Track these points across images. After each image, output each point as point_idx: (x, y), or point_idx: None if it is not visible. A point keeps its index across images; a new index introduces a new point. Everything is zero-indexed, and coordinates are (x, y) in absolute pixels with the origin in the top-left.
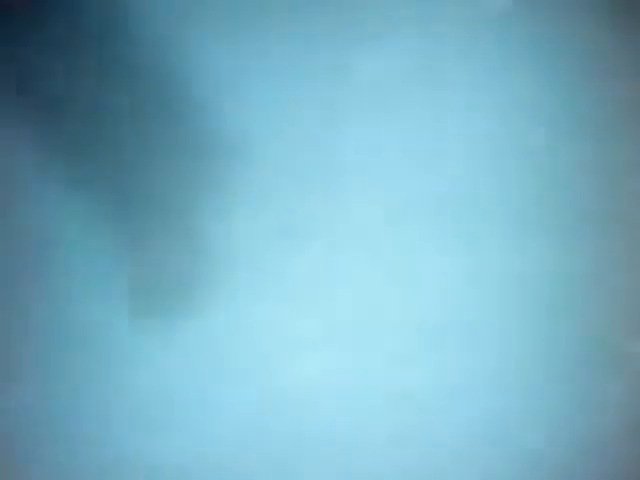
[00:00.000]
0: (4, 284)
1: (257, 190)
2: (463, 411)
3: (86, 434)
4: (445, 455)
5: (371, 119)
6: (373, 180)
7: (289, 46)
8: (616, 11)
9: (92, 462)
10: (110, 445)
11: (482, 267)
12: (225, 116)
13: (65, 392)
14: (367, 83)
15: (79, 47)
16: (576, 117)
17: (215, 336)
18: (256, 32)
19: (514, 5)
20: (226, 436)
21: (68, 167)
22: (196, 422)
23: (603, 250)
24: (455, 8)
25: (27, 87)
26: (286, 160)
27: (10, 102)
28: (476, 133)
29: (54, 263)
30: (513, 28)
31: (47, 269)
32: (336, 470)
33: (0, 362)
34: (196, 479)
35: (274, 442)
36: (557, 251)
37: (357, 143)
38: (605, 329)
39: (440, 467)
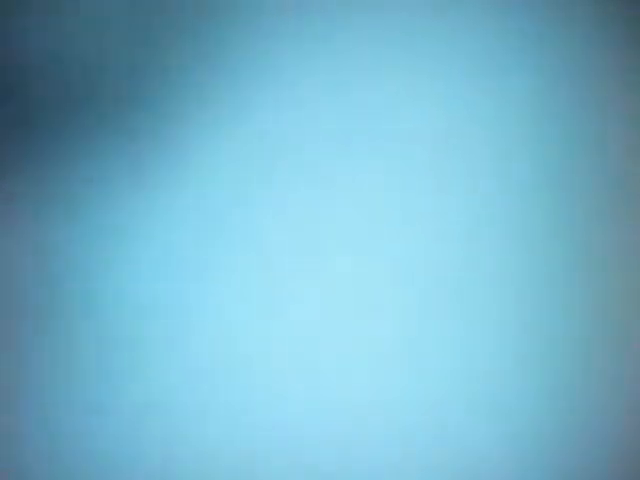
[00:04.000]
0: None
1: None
2: (460, 411)
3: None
4: (443, 454)
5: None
6: (372, 184)
7: (289, 62)
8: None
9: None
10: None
11: (481, 271)
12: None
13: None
14: (361, 104)
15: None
16: (577, 126)
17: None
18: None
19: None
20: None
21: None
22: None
23: (603, 251)
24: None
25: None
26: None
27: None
28: (476, 139)
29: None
30: (511, 29)
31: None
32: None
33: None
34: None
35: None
36: (556, 252)
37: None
38: (605, 330)
39: (438, 466)
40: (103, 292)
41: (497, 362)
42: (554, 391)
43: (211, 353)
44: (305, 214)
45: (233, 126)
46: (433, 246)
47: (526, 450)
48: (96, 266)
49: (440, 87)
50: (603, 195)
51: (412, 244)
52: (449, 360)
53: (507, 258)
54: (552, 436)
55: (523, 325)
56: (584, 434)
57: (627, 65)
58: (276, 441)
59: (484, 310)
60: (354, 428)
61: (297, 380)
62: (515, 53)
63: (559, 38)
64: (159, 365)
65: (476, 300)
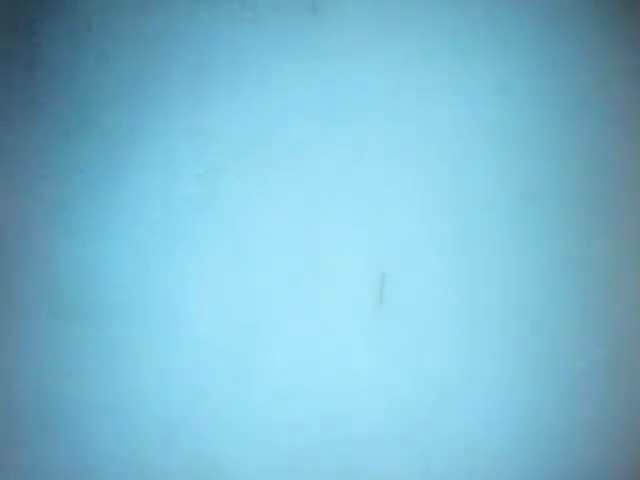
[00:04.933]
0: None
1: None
2: (460, 412)
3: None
4: (442, 454)
5: (369, 122)
6: (371, 178)
7: (278, 53)
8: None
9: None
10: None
11: (481, 266)
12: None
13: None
14: (363, 89)
15: None
16: (577, 116)
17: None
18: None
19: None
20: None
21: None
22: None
23: (603, 248)
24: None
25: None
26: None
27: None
28: (476, 132)
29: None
30: (512, 28)
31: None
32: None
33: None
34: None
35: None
36: (557, 250)
37: (356, 143)
38: (607, 329)
39: (439, 466)
40: (102, 290)
41: (497, 362)
42: (554, 391)
43: (210, 349)
44: (305, 218)
45: (226, 121)
46: (432, 244)
47: (525, 449)
48: (95, 263)
49: (441, 82)
50: (603, 193)
51: (411, 242)
52: (450, 360)
53: (507, 256)
54: (552, 435)
55: (523, 325)
56: (583, 433)
57: (628, 63)
58: (275, 442)
59: (484, 309)
60: (355, 428)
61: (298, 380)
62: (516, 52)
63: (560, 37)
64: (158, 363)
65: (476, 299)
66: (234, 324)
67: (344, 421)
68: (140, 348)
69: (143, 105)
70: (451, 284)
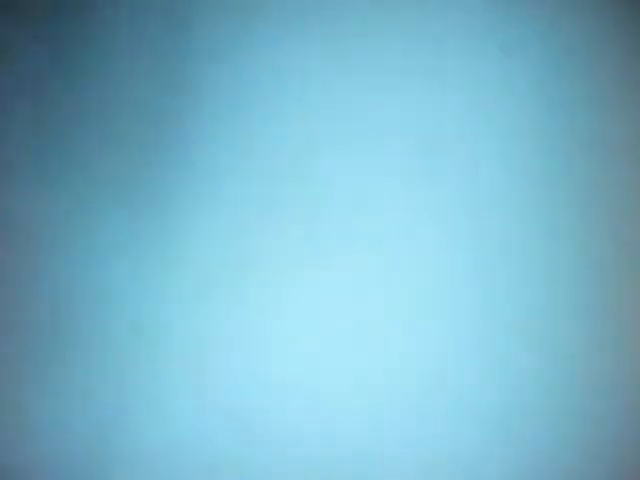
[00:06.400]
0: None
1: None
2: (466, 407)
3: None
4: (443, 452)
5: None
6: (381, 185)
7: (284, 47)
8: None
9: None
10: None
11: (489, 270)
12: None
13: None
14: (366, 84)
15: None
16: (581, 117)
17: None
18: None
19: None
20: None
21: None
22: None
23: (605, 249)
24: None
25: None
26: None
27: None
28: (481, 133)
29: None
30: (515, 21)
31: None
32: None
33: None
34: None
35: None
36: (559, 250)
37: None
38: (608, 326)
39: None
40: (115, 310)
41: (500, 364)
42: (557, 392)
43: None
44: (309, 220)
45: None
46: (434, 244)
47: (526, 449)
48: (108, 284)
49: (443, 78)
50: (605, 188)
51: (413, 243)
52: (456, 364)
53: (514, 259)
54: (553, 437)
55: (530, 326)
56: (583, 434)
57: (629, 59)
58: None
59: (491, 313)
60: (356, 431)
61: (297, 390)
62: (519, 45)
63: (563, 31)
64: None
65: (484, 303)
66: (237, 331)
67: (344, 423)
68: (137, 359)
69: (162, 123)
70: (459, 287)
